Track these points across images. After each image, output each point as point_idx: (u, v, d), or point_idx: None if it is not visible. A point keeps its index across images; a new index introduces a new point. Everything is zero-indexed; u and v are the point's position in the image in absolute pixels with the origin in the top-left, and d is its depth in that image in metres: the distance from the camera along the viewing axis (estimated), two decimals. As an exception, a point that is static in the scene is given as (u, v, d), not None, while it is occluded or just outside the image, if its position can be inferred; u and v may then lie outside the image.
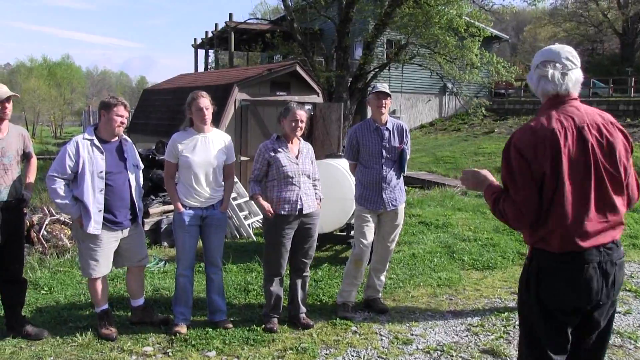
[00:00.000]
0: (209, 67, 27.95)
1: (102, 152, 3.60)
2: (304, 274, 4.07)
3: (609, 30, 34.41)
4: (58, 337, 3.71)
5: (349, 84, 16.45)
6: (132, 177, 3.75)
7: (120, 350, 3.56)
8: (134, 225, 3.82)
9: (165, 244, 6.70)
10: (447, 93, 25.04)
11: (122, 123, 3.66)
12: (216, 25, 25.40)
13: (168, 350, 3.57)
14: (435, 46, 15.86)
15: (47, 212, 6.54)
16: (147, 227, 6.66)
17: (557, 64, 2.19)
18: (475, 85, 21.90)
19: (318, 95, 11.41)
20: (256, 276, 5.11)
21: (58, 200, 3.56)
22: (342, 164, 5.68)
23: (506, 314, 4.25)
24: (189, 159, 3.77)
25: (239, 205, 7.60)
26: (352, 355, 3.55)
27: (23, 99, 39.28)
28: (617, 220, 2.16)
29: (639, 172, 2.49)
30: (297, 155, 3.92)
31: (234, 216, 7.13)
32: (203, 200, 3.83)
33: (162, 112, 13.74)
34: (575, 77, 2.20)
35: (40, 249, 5.97)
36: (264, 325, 3.91)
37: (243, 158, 9.40)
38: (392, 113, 21.76)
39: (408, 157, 4.30)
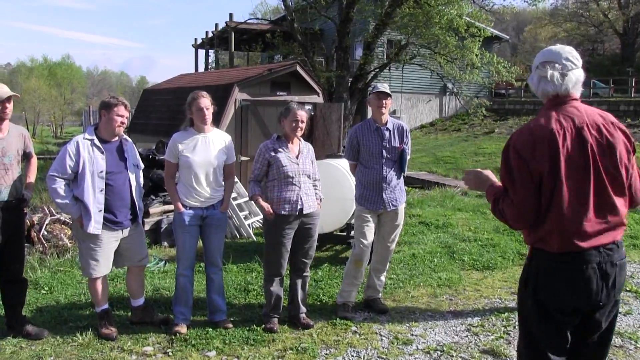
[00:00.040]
0: (209, 67, 27.95)
1: (102, 152, 3.60)
2: (304, 274, 4.07)
3: (610, 30, 34.40)
4: (58, 337, 3.71)
5: (349, 84, 16.46)
6: (132, 177, 3.75)
7: (120, 350, 3.56)
8: (134, 225, 3.82)
9: (166, 243, 6.70)
10: (447, 93, 25.04)
11: (122, 123, 3.67)
12: (216, 25, 25.40)
13: (168, 350, 3.57)
14: (435, 46, 15.86)
15: (48, 212, 6.54)
16: (147, 227, 6.66)
17: (557, 65, 2.19)
18: (476, 86, 21.90)
19: (318, 96, 11.42)
20: (256, 276, 5.11)
21: (58, 200, 3.56)
22: (342, 164, 5.68)
23: (506, 314, 4.25)
24: (189, 159, 3.77)
25: (239, 205, 7.60)
26: (352, 355, 3.55)
27: (23, 98, 39.28)
28: (617, 221, 2.14)
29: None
30: (298, 155, 3.92)
31: (234, 216, 7.13)
32: (203, 200, 3.84)
33: (163, 112, 13.75)
34: (575, 78, 2.19)
35: (41, 249, 5.98)
36: (264, 325, 3.91)
37: (243, 158, 9.40)
38: (393, 113, 21.75)
39: (408, 157, 4.30)
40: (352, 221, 4.98)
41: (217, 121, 8.36)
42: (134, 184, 3.76)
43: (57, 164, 3.55)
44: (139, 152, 4.04)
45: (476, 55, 15.36)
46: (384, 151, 4.17)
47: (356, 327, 4.00)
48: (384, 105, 4.16)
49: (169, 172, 3.92)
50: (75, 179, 3.58)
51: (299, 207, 3.84)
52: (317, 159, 4.21)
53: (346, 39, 15.93)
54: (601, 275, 2.11)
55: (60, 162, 3.54)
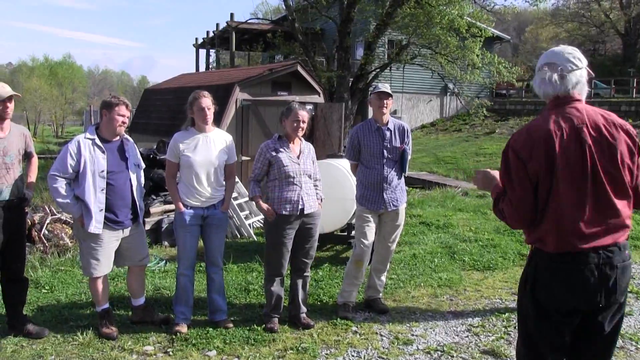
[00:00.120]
0: (210, 66, 27.95)
1: (103, 152, 3.61)
2: (305, 274, 4.08)
3: (611, 30, 34.39)
4: (59, 336, 3.72)
5: (350, 84, 16.46)
6: (133, 176, 3.76)
7: (121, 349, 3.56)
8: (135, 225, 3.82)
9: (166, 243, 6.70)
10: (448, 93, 25.04)
11: (123, 122, 3.67)
12: (217, 25, 25.39)
13: (169, 350, 3.57)
14: (436, 46, 15.87)
15: (49, 211, 6.54)
16: (148, 227, 6.66)
17: (557, 66, 2.19)
18: (477, 86, 21.90)
19: (319, 96, 11.42)
20: (257, 276, 5.11)
21: (59, 200, 3.56)
22: (343, 164, 5.68)
23: (507, 314, 4.25)
24: (190, 159, 3.78)
25: (239, 205, 7.60)
26: (353, 356, 3.56)
27: (24, 98, 39.30)
28: (618, 222, 2.12)
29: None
30: (299, 155, 3.93)
31: (234, 216, 7.13)
32: (204, 199, 3.84)
33: (163, 111, 13.76)
34: (576, 79, 2.18)
35: (42, 248, 5.98)
36: (264, 325, 3.91)
37: (244, 158, 9.41)
38: (393, 113, 21.75)
39: (409, 157, 4.29)
40: (353, 221, 4.98)
41: (217, 121, 8.36)
42: (135, 183, 3.76)
43: (58, 163, 3.56)
44: (139, 152, 4.05)
45: (477, 55, 15.36)
46: (385, 151, 4.17)
47: (357, 327, 4.00)
48: (385, 105, 4.16)
49: (170, 172, 3.92)
50: (76, 179, 3.59)
51: (299, 207, 3.84)
52: (317, 159, 4.22)
53: (347, 38, 15.93)
54: (600, 277, 2.09)
55: (62, 161, 3.54)
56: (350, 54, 16.94)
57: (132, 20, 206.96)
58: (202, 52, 28.70)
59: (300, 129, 3.88)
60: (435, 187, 12.31)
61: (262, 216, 6.10)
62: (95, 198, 3.55)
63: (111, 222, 3.63)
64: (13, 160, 3.62)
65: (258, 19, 30.93)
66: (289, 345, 3.67)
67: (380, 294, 4.46)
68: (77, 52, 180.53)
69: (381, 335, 3.87)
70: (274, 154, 3.85)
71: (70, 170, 3.54)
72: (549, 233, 2.12)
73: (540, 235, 2.15)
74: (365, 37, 17.18)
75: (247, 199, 7.72)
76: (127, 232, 3.76)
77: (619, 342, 3.77)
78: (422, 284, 4.98)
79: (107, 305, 3.83)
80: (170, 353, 3.53)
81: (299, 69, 10.90)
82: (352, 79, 16.67)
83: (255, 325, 3.92)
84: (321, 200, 4.07)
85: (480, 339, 3.83)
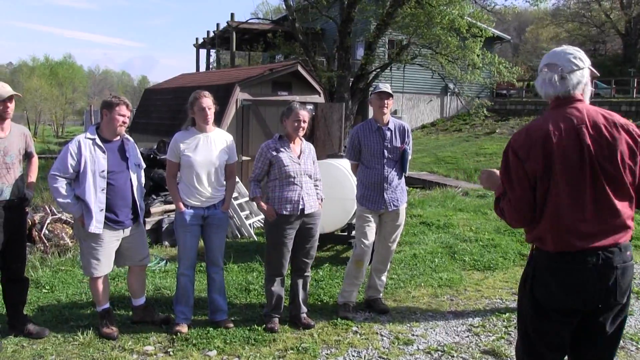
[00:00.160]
0: (210, 66, 27.97)
1: (104, 152, 3.61)
2: (305, 274, 4.08)
3: (612, 30, 34.38)
4: (59, 336, 3.72)
5: (351, 84, 16.47)
6: (133, 176, 3.76)
7: (121, 349, 3.56)
8: (136, 225, 3.82)
9: (167, 243, 6.70)
10: (448, 93, 25.04)
11: (124, 122, 3.67)
12: (218, 25, 25.41)
13: (169, 350, 3.57)
14: (437, 46, 15.88)
15: (49, 211, 6.54)
16: (148, 227, 6.66)
17: (558, 67, 2.19)
18: (477, 86, 21.90)
19: (319, 95, 11.42)
20: (257, 276, 5.11)
21: (60, 199, 3.56)
22: (343, 164, 5.68)
23: (507, 314, 4.25)
24: (190, 159, 3.78)
25: (240, 204, 7.60)
26: (353, 356, 3.55)
27: (25, 98, 39.35)
28: (618, 223, 2.10)
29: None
30: (299, 155, 3.93)
31: (235, 216, 7.13)
32: (204, 199, 3.84)
33: (164, 111, 13.77)
34: (577, 79, 2.18)
35: (42, 248, 5.98)
36: (265, 325, 3.91)
37: (244, 158, 9.41)
38: (394, 113, 21.75)
39: (410, 157, 4.29)
40: (353, 221, 4.98)
41: (218, 121, 8.37)
42: (135, 183, 3.76)
43: (59, 163, 3.56)
44: (140, 152, 4.05)
45: (478, 55, 15.38)
46: (385, 151, 4.17)
47: (357, 327, 4.00)
48: (386, 105, 4.16)
49: (171, 172, 3.92)
50: (76, 178, 3.59)
51: (300, 207, 3.84)
52: (318, 159, 4.22)
53: (347, 38, 15.94)
54: (599, 277, 2.08)
55: (62, 161, 3.54)
56: (350, 54, 16.94)
57: (133, 20, 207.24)
58: (203, 52, 28.74)
59: (301, 129, 3.88)
60: (435, 187, 12.32)
61: (262, 216, 6.09)
62: (96, 198, 3.56)
63: (112, 222, 3.63)
64: (13, 160, 3.62)
65: (258, 18, 30.97)
66: (290, 345, 3.67)
67: (381, 294, 4.46)
68: (78, 52, 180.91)
69: (382, 335, 3.87)
70: (274, 153, 3.85)
71: (71, 170, 3.54)
72: (547, 232, 2.12)
73: (540, 233, 2.15)
74: (366, 37, 17.19)
75: (247, 198, 7.72)
76: (127, 232, 3.76)
77: (620, 343, 3.76)
78: (422, 284, 4.98)
79: (107, 305, 3.82)
80: (171, 353, 3.53)
81: (300, 69, 10.91)
82: (352, 79, 16.68)
83: (255, 325, 3.92)
84: (321, 200, 4.07)
85: (480, 339, 3.83)
